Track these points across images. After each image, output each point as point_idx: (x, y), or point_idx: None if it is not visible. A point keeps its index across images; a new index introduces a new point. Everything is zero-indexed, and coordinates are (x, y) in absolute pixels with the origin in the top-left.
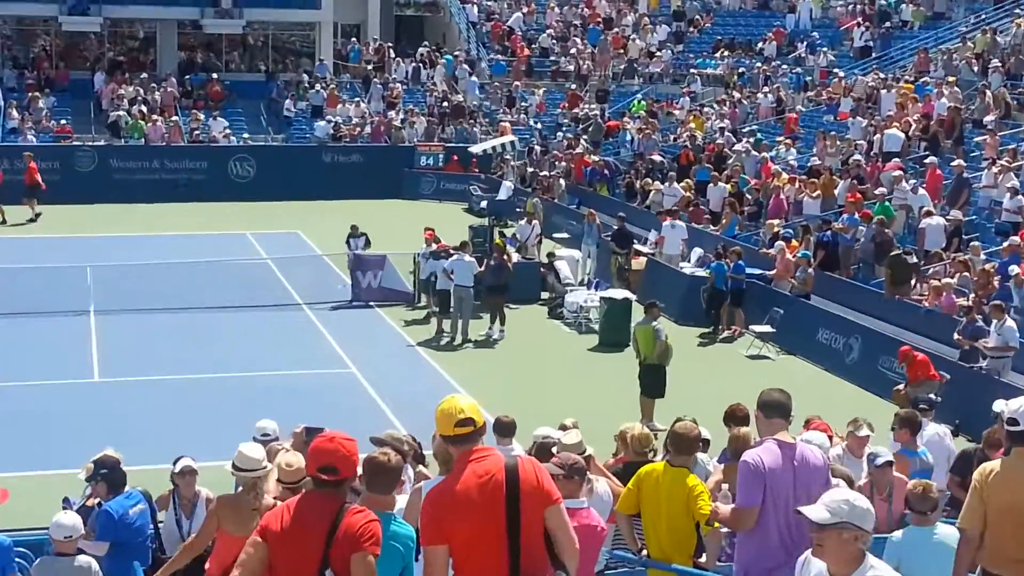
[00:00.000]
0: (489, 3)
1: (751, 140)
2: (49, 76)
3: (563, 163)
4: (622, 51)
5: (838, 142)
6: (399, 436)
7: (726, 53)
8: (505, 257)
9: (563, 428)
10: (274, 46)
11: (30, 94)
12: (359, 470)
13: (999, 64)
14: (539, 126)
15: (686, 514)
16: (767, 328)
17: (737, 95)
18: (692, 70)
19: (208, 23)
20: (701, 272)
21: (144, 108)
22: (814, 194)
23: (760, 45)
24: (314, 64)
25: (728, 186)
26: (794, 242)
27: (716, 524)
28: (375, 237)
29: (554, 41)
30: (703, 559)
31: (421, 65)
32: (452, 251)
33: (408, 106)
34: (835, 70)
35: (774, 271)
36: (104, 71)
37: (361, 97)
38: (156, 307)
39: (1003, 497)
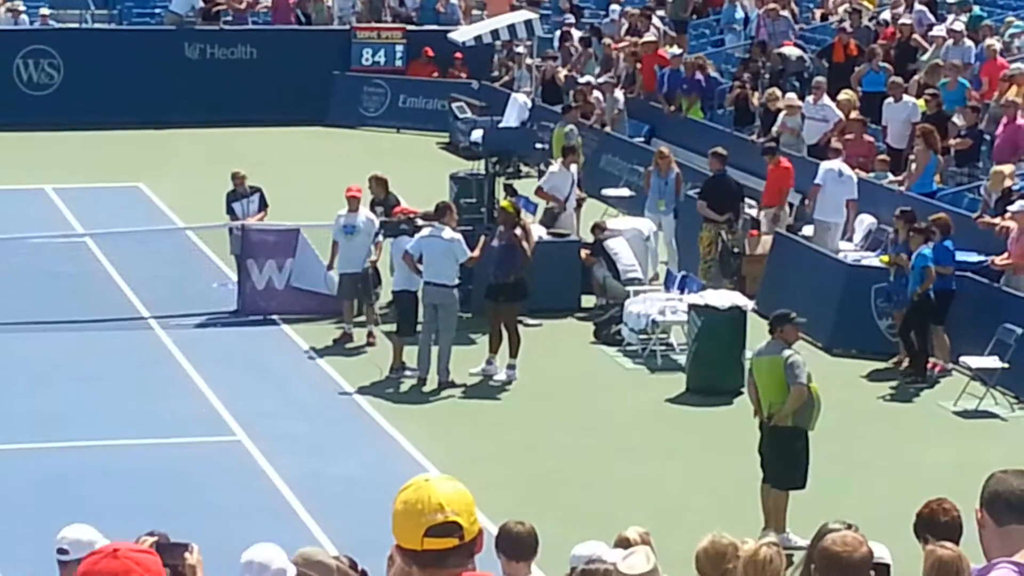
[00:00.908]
0: None
1: (962, 19)
2: None
3: (621, 61)
4: None
5: None
6: (319, 558)
7: None
8: (518, 232)
9: (623, 544)
10: None
11: None
12: None
13: None
14: None
15: None
16: (992, 362)
17: None
18: None
19: None
20: (872, 259)
21: None
22: None
23: None
24: None
25: (920, 103)
26: None
27: None
28: (281, 196)
29: None
30: None
31: None
32: (420, 221)
33: None
34: None
35: (1006, 257)
36: None
37: None
38: None
39: None
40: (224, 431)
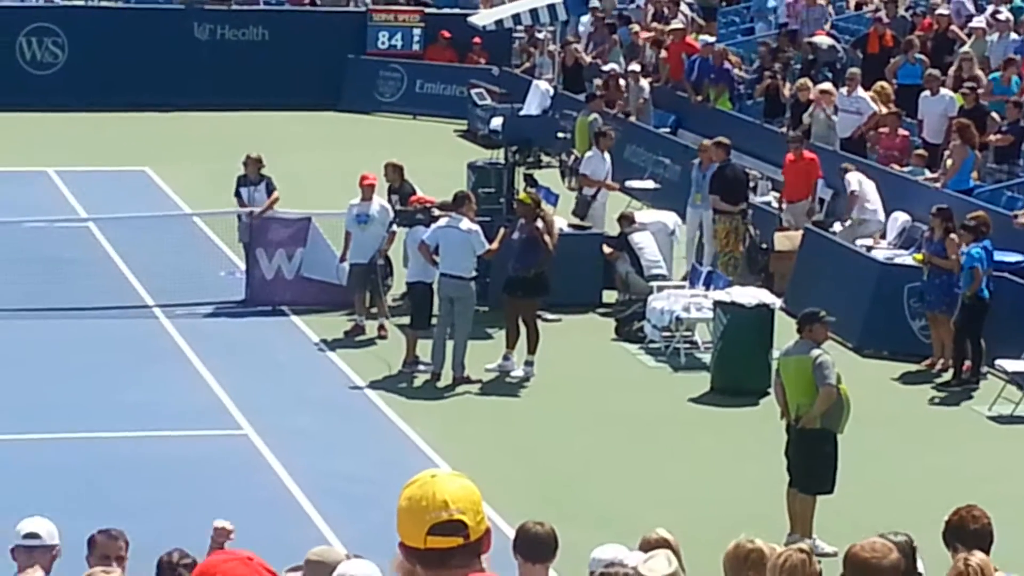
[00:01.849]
0: None
1: (1006, 7)
2: None
3: (648, 49)
4: None
5: None
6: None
7: None
8: (540, 225)
9: (646, 548)
10: None
11: None
12: None
13: None
14: None
15: None
16: None
17: None
18: None
19: None
20: (905, 257)
21: None
22: None
23: None
24: None
25: (958, 96)
26: None
27: None
28: (292, 183)
29: None
30: None
31: None
32: (437, 211)
33: None
34: None
35: None
36: None
37: None
38: None
39: None
40: (230, 424)
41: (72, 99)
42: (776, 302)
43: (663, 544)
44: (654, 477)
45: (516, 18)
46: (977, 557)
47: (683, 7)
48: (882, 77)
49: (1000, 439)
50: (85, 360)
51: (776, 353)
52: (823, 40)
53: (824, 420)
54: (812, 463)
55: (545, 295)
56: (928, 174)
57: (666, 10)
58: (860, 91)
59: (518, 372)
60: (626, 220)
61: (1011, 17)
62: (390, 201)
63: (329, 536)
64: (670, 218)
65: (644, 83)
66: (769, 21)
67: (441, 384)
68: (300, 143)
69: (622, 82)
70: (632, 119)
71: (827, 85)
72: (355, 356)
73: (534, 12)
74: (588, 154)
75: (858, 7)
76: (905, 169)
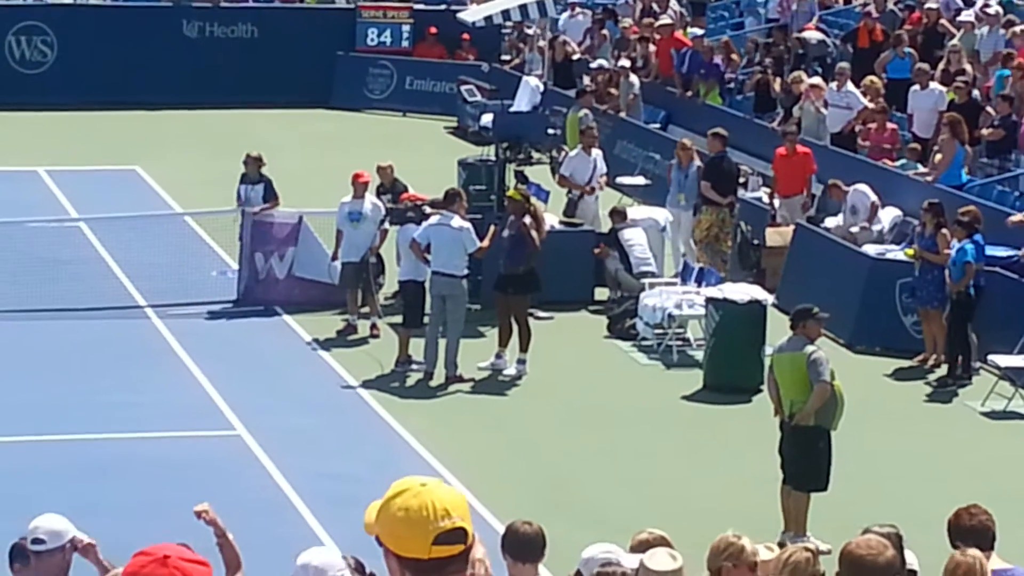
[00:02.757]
0: None
1: (996, 0)
2: None
3: (637, 44)
4: None
5: None
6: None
7: None
8: (528, 221)
9: (642, 547)
10: None
11: None
12: None
13: None
14: None
15: None
16: (1021, 360)
17: None
18: None
19: None
20: (897, 252)
21: None
22: None
23: None
24: None
25: (948, 90)
26: None
27: None
28: (281, 181)
29: None
30: None
31: None
32: (428, 209)
33: None
34: None
35: None
36: None
37: None
38: None
39: None
40: (223, 425)
41: (61, 98)
42: (768, 298)
43: (662, 542)
44: (647, 474)
45: (505, 14)
46: (971, 552)
47: (672, 2)
48: (872, 71)
49: (993, 435)
50: (76, 361)
51: (769, 350)
52: (812, 35)
53: (818, 417)
54: (806, 460)
55: (536, 292)
56: (920, 169)
57: (655, 5)
58: (850, 86)
59: (510, 370)
60: (618, 215)
61: (1000, 11)
62: (380, 199)
63: (322, 536)
64: (661, 214)
65: (634, 79)
66: (759, 15)
67: (433, 383)
68: (290, 141)
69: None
70: (622, 115)
71: (817, 80)
72: (347, 355)
73: (523, 8)
74: (571, 154)
75: (847, 1)
76: (897, 164)
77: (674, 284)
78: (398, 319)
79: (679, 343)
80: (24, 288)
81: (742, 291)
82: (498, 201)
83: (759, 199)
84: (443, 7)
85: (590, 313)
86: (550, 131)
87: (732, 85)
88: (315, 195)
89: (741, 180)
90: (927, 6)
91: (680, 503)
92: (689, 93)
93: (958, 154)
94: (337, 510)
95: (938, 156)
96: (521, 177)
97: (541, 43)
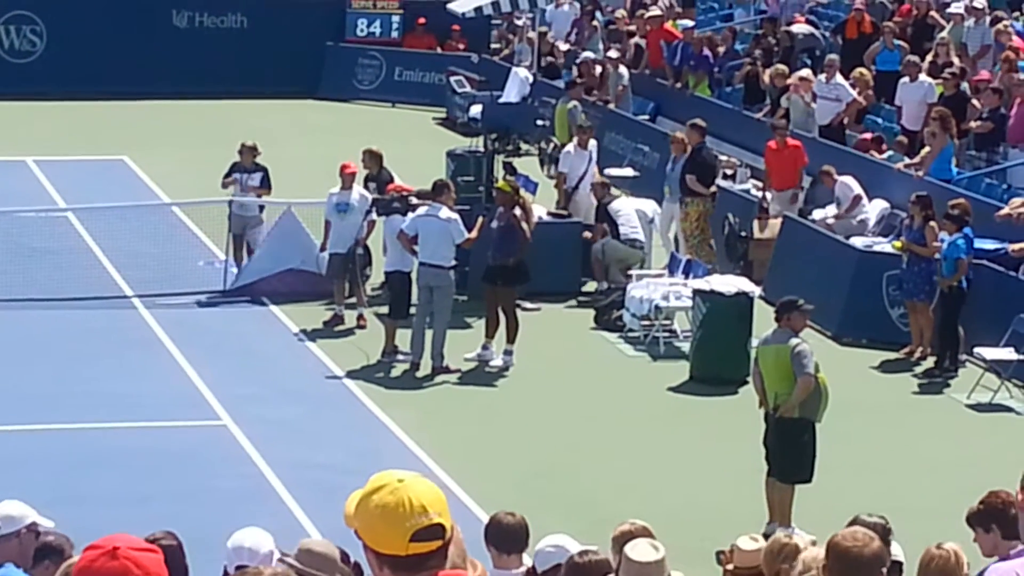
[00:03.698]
0: None
1: None
2: None
3: (627, 35)
4: None
5: None
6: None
7: None
8: (517, 213)
9: (624, 539)
10: None
11: None
12: None
13: None
14: None
15: None
16: (1007, 353)
17: None
18: None
19: None
20: (884, 244)
21: None
22: None
23: None
24: None
25: (937, 83)
26: None
27: None
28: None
29: None
30: None
31: None
32: (416, 200)
33: None
34: None
35: (1023, 244)
36: None
37: None
38: None
39: None
40: (209, 415)
41: (50, 87)
42: (755, 290)
43: (644, 533)
44: (633, 466)
45: (495, 5)
46: (947, 545)
47: None
48: (861, 63)
49: (978, 427)
50: (63, 350)
51: (755, 342)
52: (801, 27)
53: (802, 409)
54: (790, 452)
55: (525, 283)
56: (908, 161)
57: None
58: (839, 78)
59: (497, 361)
60: (601, 187)
61: (986, 4)
62: (367, 188)
63: (308, 526)
64: (649, 206)
65: (623, 70)
66: (748, 7)
67: (420, 374)
68: (278, 131)
69: (598, 68)
70: (611, 107)
71: (806, 72)
72: (334, 346)
73: None
74: (566, 149)
75: None
76: (884, 155)
77: (662, 276)
78: (384, 310)
79: (666, 335)
80: (9, 277)
81: (729, 283)
82: (486, 192)
83: (747, 191)
84: None
85: (577, 305)
86: (539, 122)
87: (719, 73)
88: (303, 185)
89: (729, 172)
90: None
91: (665, 494)
92: (679, 84)
93: (948, 148)
94: (322, 500)
95: (926, 149)
96: (509, 168)
97: (531, 34)
